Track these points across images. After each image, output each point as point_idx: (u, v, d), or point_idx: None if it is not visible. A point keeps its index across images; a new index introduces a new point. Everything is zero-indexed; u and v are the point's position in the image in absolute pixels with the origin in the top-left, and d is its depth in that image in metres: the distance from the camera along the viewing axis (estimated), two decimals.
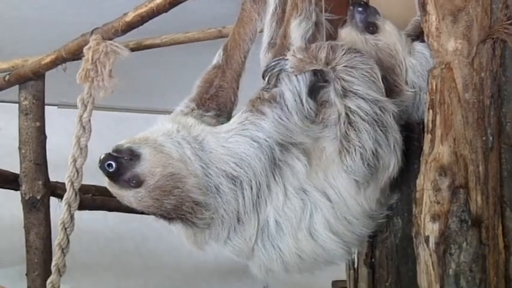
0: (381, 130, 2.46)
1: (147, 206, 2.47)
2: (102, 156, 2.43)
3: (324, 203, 2.50)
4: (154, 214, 2.52)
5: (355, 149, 2.44)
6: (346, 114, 2.46)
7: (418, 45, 2.73)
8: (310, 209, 2.51)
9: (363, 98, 2.45)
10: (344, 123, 2.46)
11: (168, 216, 2.49)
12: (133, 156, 2.44)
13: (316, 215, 2.51)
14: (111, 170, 2.42)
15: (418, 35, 2.79)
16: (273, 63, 2.55)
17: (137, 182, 2.44)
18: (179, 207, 2.45)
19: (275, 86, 2.52)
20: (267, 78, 2.55)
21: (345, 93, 2.47)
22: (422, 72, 2.66)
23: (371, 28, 2.74)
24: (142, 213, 2.58)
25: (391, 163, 2.50)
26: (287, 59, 2.52)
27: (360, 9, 2.76)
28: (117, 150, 2.45)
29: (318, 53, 2.51)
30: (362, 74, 2.48)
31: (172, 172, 2.44)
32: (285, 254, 2.55)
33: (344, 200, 2.51)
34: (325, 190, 2.51)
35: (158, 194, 2.44)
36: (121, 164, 2.43)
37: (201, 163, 2.48)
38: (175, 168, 2.45)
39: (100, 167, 2.43)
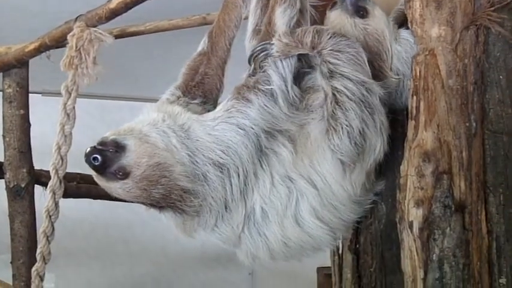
0: (368, 111, 2.46)
1: (135, 197, 2.47)
2: (87, 150, 2.43)
3: (310, 190, 2.51)
4: (143, 204, 2.52)
5: (342, 128, 2.44)
6: (333, 94, 2.46)
7: (404, 32, 2.73)
8: (296, 196, 2.52)
9: (349, 79, 2.46)
10: (331, 103, 2.46)
11: (157, 205, 2.49)
12: (119, 148, 2.44)
13: (302, 202, 2.51)
14: (96, 164, 2.42)
15: (401, 24, 2.80)
16: (258, 48, 2.55)
17: (124, 174, 2.43)
18: (168, 195, 2.45)
19: (261, 72, 2.52)
20: (252, 63, 2.55)
21: (331, 75, 2.47)
22: (407, 59, 2.66)
23: (361, 12, 2.73)
24: (126, 200, 2.58)
25: (378, 145, 2.51)
26: (273, 44, 2.53)
27: None
28: (102, 142, 2.45)
29: (303, 37, 2.52)
30: (348, 57, 2.48)
31: (159, 162, 2.45)
32: (271, 242, 2.56)
33: (329, 186, 2.51)
34: (310, 177, 2.51)
35: (146, 184, 2.44)
36: (106, 156, 2.42)
37: (187, 151, 2.48)
38: (161, 158, 2.45)
39: (86, 160, 2.43)
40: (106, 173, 2.45)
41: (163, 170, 2.44)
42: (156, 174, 2.43)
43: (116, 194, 2.50)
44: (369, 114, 2.46)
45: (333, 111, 2.46)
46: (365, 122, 2.46)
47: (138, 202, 2.51)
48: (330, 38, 2.51)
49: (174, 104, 2.70)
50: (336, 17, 2.76)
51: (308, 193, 2.51)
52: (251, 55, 2.56)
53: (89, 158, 2.42)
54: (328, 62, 2.48)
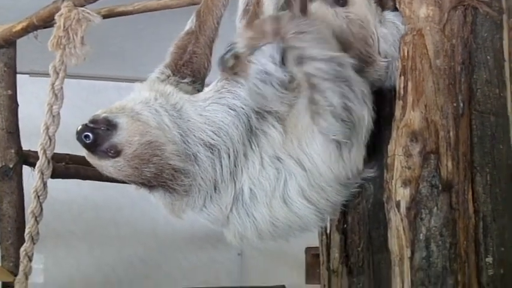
0: (345, 84, 2.43)
1: (127, 175, 2.47)
2: (78, 128, 2.42)
3: (298, 171, 2.51)
4: (134, 183, 2.52)
5: (324, 110, 2.43)
6: (307, 79, 2.45)
7: (389, 14, 2.72)
8: (285, 176, 2.52)
9: (318, 59, 2.44)
10: (308, 89, 2.45)
11: (148, 184, 2.49)
12: (110, 126, 2.43)
13: (290, 182, 2.52)
14: (88, 141, 2.41)
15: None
16: (224, 52, 2.54)
17: (115, 152, 2.43)
18: (159, 174, 2.45)
19: (232, 69, 2.52)
20: (221, 66, 2.54)
21: (300, 61, 2.46)
22: (394, 41, 2.66)
23: (340, 1, 2.73)
24: (116, 181, 2.58)
25: (365, 113, 2.47)
26: (236, 42, 2.52)
27: None
28: (94, 120, 2.44)
29: (263, 27, 2.50)
30: (312, 37, 2.46)
31: (150, 140, 2.44)
32: (259, 222, 2.56)
33: (317, 167, 2.51)
34: (298, 157, 2.51)
35: (137, 162, 2.44)
36: (98, 134, 2.42)
37: (179, 130, 2.48)
38: (153, 136, 2.45)
39: (77, 138, 2.42)
40: (97, 151, 2.45)
41: (155, 148, 2.44)
42: (147, 153, 2.43)
43: (107, 173, 2.50)
44: (347, 87, 2.43)
45: (311, 96, 2.44)
46: (345, 97, 2.43)
47: (129, 181, 2.51)
48: (289, 21, 2.49)
49: (165, 83, 2.70)
50: (317, 9, 2.74)
51: (296, 173, 2.51)
52: (219, 60, 2.55)
53: (80, 136, 2.41)
54: (294, 47, 2.47)
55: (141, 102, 2.54)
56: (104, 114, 2.46)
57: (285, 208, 2.54)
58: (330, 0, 2.70)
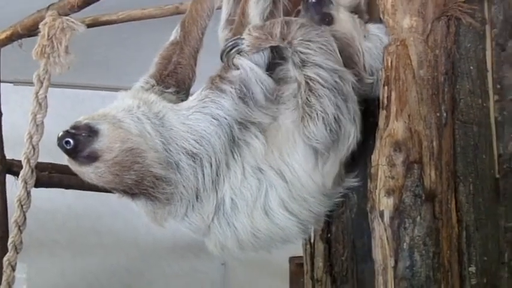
0: (341, 98, 2.46)
1: (107, 182, 2.47)
2: (60, 134, 2.42)
3: (279, 182, 2.52)
4: (116, 190, 2.52)
5: (317, 114, 2.45)
6: (306, 82, 2.46)
7: (372, 28, 2.74)
8: (266, 187, 2.52)
9: (321, 67, 2.46)
10: (305, 91, 2.47)
11: (130, 192, 2.49)
12: (92, 132, 2.44)
13: (271, 193, 2.52)
14: (69, 148, 2.42)
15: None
16: (229, 44, 2.55)
17: (95, 158, 2.43)
18: (140, 182, 2.45)
19: (234, 65, 2.52)
20: (225, 59, 2.55)
21: (303, 64, 2.48)
22: (378, 55, 2.67)
23: (327, 20, 2.73)
24: (99, 190, 2.57)
25: (351, 132, 2.50)
26: (243, 38, 2.53)
27: (314, 0, 2.76)
28: (75, 127, 2.44)
29: (272, 29, 2.52)
30: (319, 46, 2.49)
31: (131, 147, 2.44)
32: (240, 232, 2.56)
33: (298, 177, 2.52)
34: (279, 168, 2.52)
35: (118, 169, 2.44)
36: (79, 140, 2.42)
37: (161, 139, 2.48)
38: (134, 143, 2.45)
39: (58, 144, 2.42)
40: (78, 157, 2.45)
41: (136, 155, 2.44)
42: (128, 160, 2.43)
43: (89, 179, 2.49)
44: (342, 101, 2.47)
45: (307, 98, 2.46)
46: (339, 109, 2.46)
47: (110, 188, 2.51)
48: (299, 28, 2.51)
49: (149, 92, 2.70)
50: None
51: (277, 185, 2.52)
52: (223, 51, 2.56)
53: (61, 141, 2.41)
54: (300, 52, 2.49)
55: (124, 109, 2.54)
56: (85, 121, 2.46)
57: (266, 219, 2.54)
58: (316, 19, 2.70)
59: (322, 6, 2.74)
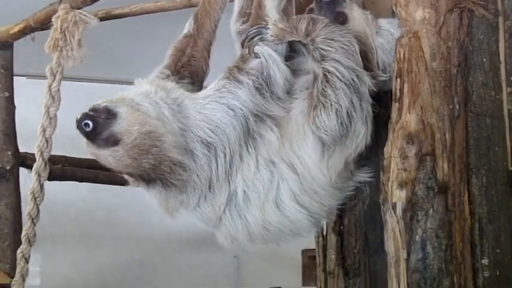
0: (357, 96, 2.48)
1: (125, 166, 2.47)
2: (78, 116, 2.42)
3: (290, 175, 2.52)
4: (133, 176, 2.52)
5: (331, 104, 2.46)
6: (324, 74, 2.48)
7: (383, 23, 2.74)
8: (278, 180, 2.53)
9: (340, 63, 2.47)
10: (322, 82, 2.48)
11: (147, 177, 2.49)
12: (110, 115, 2.44)
13: (283, 186, 2.53)
14: (88, 130, 2.42)
15: None
16: (253, 31, 2.55)
17: (114, 141, 2.43)
18: (158, 166, 2.45)
19: (254, 52, 2.52)
20: (246, 46, 2.55)
21: (323, 59, 2.49)
22: (390, 49, 2.67)
23: (341, 18, 2.72)
24: (112, 183, 2.58)
25: (362, 132, 2.51)
26: (268, 28, 2.53)
27: (327, 0, 2.76)
28: (94, 109, 2.45)
29: (298, 24, 2.53)
30: (340, 45, 2.50)
31: (150, 130, 2.45)
32: (251, 225, 2.57)
33: (309, 169, 2.52)
34: (291, 160, 2.52)
35: (136, 152, 2.44)
36: (98, 122, 2.42)
37: (179, 124, 2.49)
38: (153, 127, 2.45)
39: (77, 126, 2.42)
40: (96, 140, 2.45)
41: (154, 139, 2.44)
42: (147, 143, 2.44)
43: (106, 163, 2.50)
44: (357, 99, 2.48)
45: (323, 89, 2.47)
46: (353, 105, 2.47)
47: (127, 173, 2.51)
48: (324, 26, 2.52)
49: (165, 80, 2.70)
50: None
51: (288, 177, 2.53)
52: (245, 38, 2.56)
53: (80, 123, 2.42)
54: (321, 48, 2.49)
55: (142, 94, 2.55)
56: (104, 104, 2.47)
57: (277, 212, 2.55)
58: (330, 19, 2.70)
59: (336, 5, 2.74)
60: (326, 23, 2.54)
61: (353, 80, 2.47)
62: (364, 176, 2.67)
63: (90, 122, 2.41)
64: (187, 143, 2.48)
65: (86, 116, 2.42)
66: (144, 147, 2.43)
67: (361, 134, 2.52)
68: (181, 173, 2.47)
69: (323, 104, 2.47)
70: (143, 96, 2.53)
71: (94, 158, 2.53)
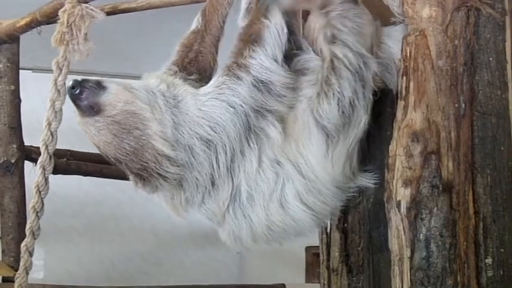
0: (361, 84, 2.49)
1: (106, 142, 2.48)
2: (70, 82, 2.50)
3: (295, 175, 2.53)
4: (119, 161, 2.52)
5: (333, 94, 2.47)
6: (331, 60, 2.48)
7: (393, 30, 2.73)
8: (283, 180, 2.54)
9: (350, 48, 2.48)
10: (327, 68, 2.48)
11: (133, 166, 2.49)
12: (100, 87, 2.50)
13: (288, 186, 2.54)
14: (74, 93, 2.48)
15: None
16: None
17: (97, 110, 2.47)
18: (139, 151, 2.46)
19: (265, 15, 2.53)
20: (260, 5, 2.56)
21: (333, 40, 2.50)
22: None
23: None
24: (116, 177, 2.58)
25: (363, 119, 2.53)
26: None
27: None
28: (86, 79, 2.51)
29: None
30: (353, 26, 2.51)
31: (134, 111, 2.47)
32: (255, 225, 2.58)
33: (313, 169, 2.52)
34: (297, 161, 2.53)
35: (117, 129, 2.46)
36: (85, 89, 2.48)
37: (172, 117, 2.49)
38: (138, 108, 2.48)
39: (67, 90, 2.53)
40: (81, 106, 2.48)
41: (137, 121, 2.46)
42: (128, 123, 2.46)
43: (89, 134, 2.52)
44: (361, 87, 2.49)
45: (327, 76, 2.48)
46: (356, 94, 2.48)
47: (114, 158, 2.52)
48: (342, 2, 2.53)
49: (173, 76, 2.71)
50: None
51: (294, 178, 2.53)
52: (260, 2, 2.58)
53: (70, 88, 2.49)
54: (334, 26, 2.50)
55: (143, 84, 2.58)
56: (98, 78, 2.54)
57: (281, 212, 2.55)
58: None
59: None
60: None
61: (359, 66, 2.48)
62: (366, 180, 2.67)
63: (78, 88, 2.47)
64: (184, 138, 2.48)
65: (76, 82, 2.49)
66: (126, 126, 2.46)
67: (362, 121, 2.53)
68: (169, 166, 2.47)
69: (325, 93, 2.48)
70: (142, 85, 2.56)
71: (82, 127, 2.56)
